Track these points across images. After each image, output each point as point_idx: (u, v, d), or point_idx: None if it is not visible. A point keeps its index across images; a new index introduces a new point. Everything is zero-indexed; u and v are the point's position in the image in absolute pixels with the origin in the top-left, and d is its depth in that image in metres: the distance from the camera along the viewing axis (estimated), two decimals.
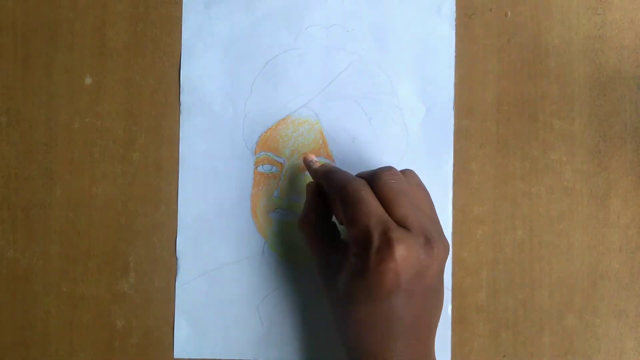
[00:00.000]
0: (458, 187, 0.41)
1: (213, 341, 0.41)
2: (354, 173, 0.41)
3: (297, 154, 0.41)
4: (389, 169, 0.35)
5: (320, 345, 0.41)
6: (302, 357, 0.41)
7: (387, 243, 0.32)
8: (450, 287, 0.41)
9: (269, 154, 0.41)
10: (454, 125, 0.41)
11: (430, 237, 0.33)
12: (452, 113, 0.41)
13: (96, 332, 0.41)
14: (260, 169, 0.41)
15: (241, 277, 0.41)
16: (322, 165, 0.38)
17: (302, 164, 0.41)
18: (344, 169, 0.41)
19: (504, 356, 0.40)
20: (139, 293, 0.41)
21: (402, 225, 0.33)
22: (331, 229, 0.38)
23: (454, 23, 0.41)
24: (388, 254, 0.32)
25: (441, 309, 0.36)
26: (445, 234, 0.40)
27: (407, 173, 0.37)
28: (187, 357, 0.41)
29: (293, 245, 0.41)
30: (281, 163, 0.41)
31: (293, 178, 0.41)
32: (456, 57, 0.41)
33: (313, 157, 0.39)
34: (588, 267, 0.41)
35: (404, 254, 0.32)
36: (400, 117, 0.41)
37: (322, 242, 0.37)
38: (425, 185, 0.39)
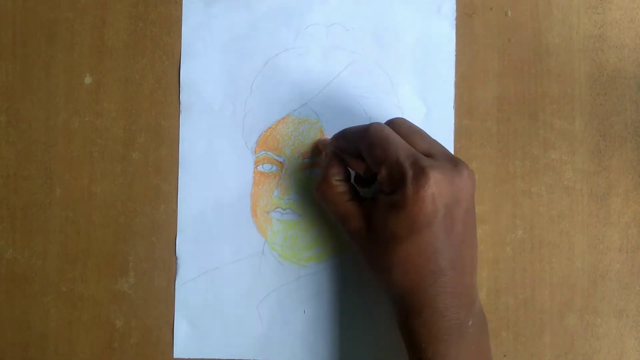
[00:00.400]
0: None
1: (213, 341, 0.41)
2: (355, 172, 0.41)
3: (297, 153, 0.41)
4: (380, 123, 0.36)
5: (320, 345, 0.40)
6: (302, 356, 0.40)
7: (421, 170, 0.33)
8: None
9: (269, 153, 0.41)
10: (454, 124, 0.41)
11: (457, 161, 0.34)
12: (452, 112, 0.41)
13: (95, 331, 0.41)
14: (260, 168, 0.41)
15: (241, 276, 0.41)
16: (335, 134, 0.39)
17: (302, 163, 0.41)
18: None
19: (505, 355, 0.40)
20: (139, 293, 0.41)
21: (428, 156, 0.34)
22: (353, 190, 0.38)
23: (454, 22, 0.41)
24: (424, 181, 0.32)
25: (477, 244, 0.36)
26: None
27: (397, 120, 0.38)
28: (186, 357, 0.41)
29: (293, 245, 0.41)
30: (281, 162, 0.41)
31: (293, 177, 0.41)
32: (456, 56, 0.41)
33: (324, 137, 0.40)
34: (588, 266, 0.41)
35: (439, 177, 0.33)
36: (400, 116, 0.41)
37: (345, 199, 0.37)
38: None
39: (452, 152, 0.41)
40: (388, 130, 0.35)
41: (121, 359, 0.41)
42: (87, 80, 0.42)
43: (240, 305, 0.41)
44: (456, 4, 0.41)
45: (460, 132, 0.41)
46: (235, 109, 0.41)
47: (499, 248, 0.41)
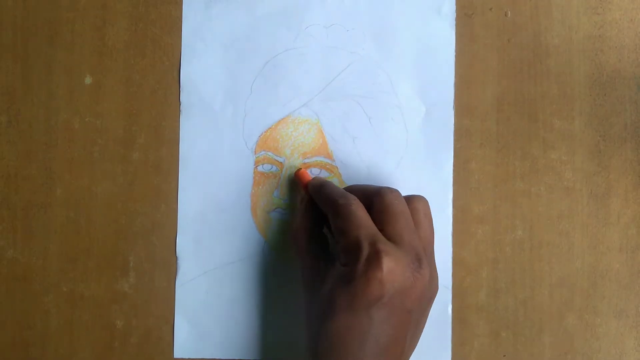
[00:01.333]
0: (458, 186, 0.41)
1: (213, 341, 0.41)
2: (354, 173, 0.41)
3: (297, 153, 0.41)
4: (395, 190, 0.36)
5: None
6: (302, 357, 0.40)
7: (375, 253, 0.33)
8: (450, 287, 0.41)
9: (269, 153, 0.41)
10: (454, 124, 0.41)
11: (421, 257, 0.34)
12: (452, 112, 0.41)
13: (96, 331, 0.41)
14: (260, 168, 0.41)
15: (241, 276, 0.41)
16: (313, 179, 0.39)
17: (302, 163, 0.41)
18: (344, 168, 0.41)
19: (504, 356, 0.40)
20: (139, 293, 0.41)
21: (394, 242, 0.34)
22: (321, 240, 0.38)
23: (454, 22, 0.41)
24: (376, 264, 0.32)
25: (417, 341, 0.36)
26: (445, 233, 0.40)
27: (418, 199, 0.37)
28: (187, 357, 0.41)
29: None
30: (281, 162, 0.41)
31: (293, 177, 0.41)
32: (456, 56, 0.41)
33: (306, 172, 0.40)
34: (588, 266, 0.41)
35: (391, 265, 0.33)
36: (400, 116, 0.41)
37: (311, 252, 0.37)
38: (425, 185, 0.39)
39: (452, 153, 0.41)
40: (356, 206, 0.35)
41: (121, 359, 0.41)
42: (88, 80, 0.42)
43: (240, 305, 0.41)
44: (456, 4, 0.41)
45: (459, 132, 0.41)
46: (236, 109, 0.41)
47: (499, 248, 0.41)
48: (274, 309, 0.41)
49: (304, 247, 0.38)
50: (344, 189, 0.38)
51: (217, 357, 0.41)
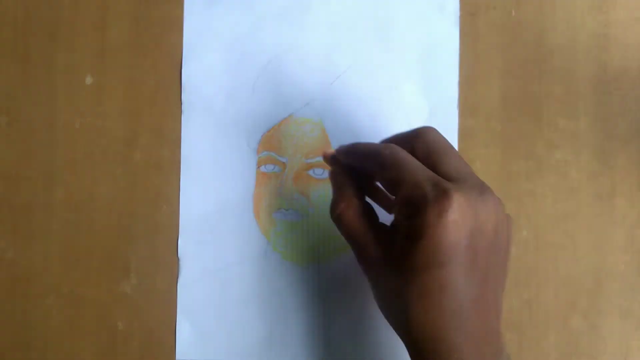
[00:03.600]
0: None
1: (215, 343, 0.40)
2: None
3: (300, 153, 0.41)
4: (432, 128, 0.33)
5: (324, 347, 0.40)
6: (305, 357, 0.40)
7: (443, 193, 0.29)
8: None
9: (271, 153, 0.41)
10: (458, 124, 0.41)
11: (484, 187, 0.31)
12: (456, 112, 0.41)
13: (97, 333, 0.41)
14: (262, 168, 0.41)
15: (244, 278, 0.41)
16: (339, 147, 0.36)
17: (305, 163, 0.40)
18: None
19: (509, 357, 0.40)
20: (141, 294, 0.41)
21: (455, 180, 0.30)
22: (369, 210, 0.34)
23: (457, 21, 0.41)
24: (447, 205, 0.28)
25: (504, 284, 0.32)
26: None
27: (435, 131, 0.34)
28: (189, 359, 0.40)
29: (296, 245, 0.41)
30: (284, 163, 0.41)
31: (296, 178, 0.41)
32: (460, 56, 0.41)
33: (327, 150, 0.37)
34: (593, 267, 0.40)
35: (462, 202, 0.29)
36: (403, 116, 0.41)
37: (365, 225, 0.33)
38: None
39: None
40: (404, 153, 0.31)
41: None
42: (88, 80, 0.41)
43: (242, 306, 0.40)
44: (460, 3, 0.41)
45: (464, 132, 0.41)
46: (237, 109, 0.41)
47: None
48: (276, 311, 0.40)
49: (353, 219, 0.33)
50: (341, 149, 0.35)
51: (219, 359, 0.40)
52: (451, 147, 0.33)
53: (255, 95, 0.41)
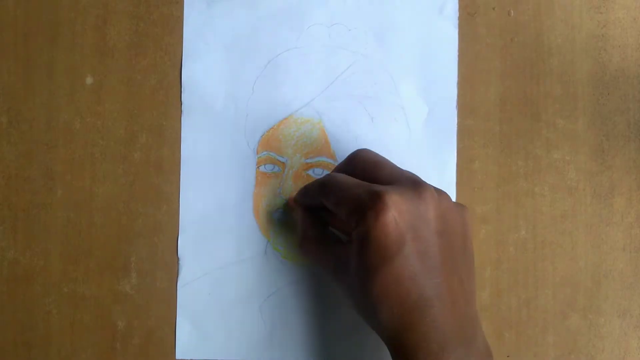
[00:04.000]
0: (461, 186, 0.41)
1: (215, 342, 0.40)
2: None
3: (300, 153, 0.41)
4: (363, 148, 0.37)
5: (323, 346, 0.40)
6: (304, 357, 0.40)
7: (376, 196, 0.32)
8: None
9: (271, 153, 0.41)
10: (457, 124, 0.41)
11: (419, 182, 0.33)
12: (455, 112, 0.41)
13: (97, 332, 0.41)
14: (262, 168, 0.41)
15: (243, 277, 0.41)
16: (297, 192, 0.39)
17: (305, 163, 0.41)
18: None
19: (508, 356, 0.40)
20: (141, 293, 0.41)
21: (389, 183, 0.34)
22: (330, 237, 0.38)
23: (456, 22, 0.41)
24: (381, 204, 0.31)
25: (470, 269, 0.34)
26: None
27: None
28: (189, 358, 0.40)
29: (296, 245, 0.41)
30: (283, 163, 0.41)
31: (295, 178, 0.41)
32: (459, 56, 0.41)
33: (291, 199, 0.40)
34: (592, 266, 0.41)
35: (396, 199, 0.31)
36: (402, 116, 0.41)
37: (327, 249, 0.36)
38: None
39: (455, 153, 0.41)
40: (341, 176, 0.35)
41: None
42: (89, 80, 0.41)
43: (242, 306, 0.41)
44: (458, 3, 0.41)
45: (462, 132, 0.41)
46: (237, 109, 0.41)
47: (502, 248, 0.41)
48: (276, 310, 0.41)
49: (317, 249, 0.37)
50: (297, 194, 0.39)
51: (219, 358, 0.40)
52: (384, 159, 0.36)
53: (255, 95, 0.41)
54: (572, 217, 0.41)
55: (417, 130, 0.41)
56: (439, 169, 0.41)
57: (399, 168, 0.35)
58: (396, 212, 0.31)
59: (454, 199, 0.41)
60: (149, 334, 0.41)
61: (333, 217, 0.39)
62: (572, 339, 0.40)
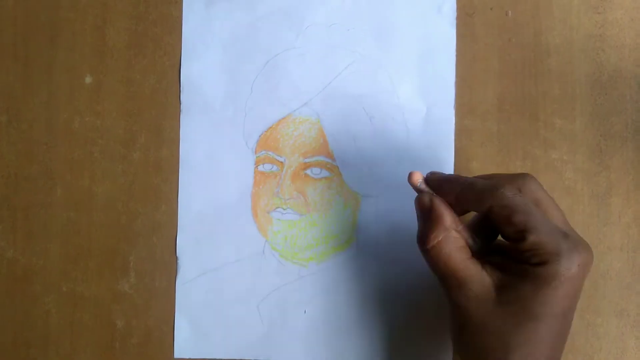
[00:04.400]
0: None
1: (213, 341, 0.41)
2: (355, 172, 0.41)
3: (298, 153, 0.41)
4: (532, 176, 0.34)
5: (321, 345, 0.40)
6: (302, 356, 0.40)
7: (574, 248, 0.30)
8: None
9: (269, 153, 0.41)
10: (455, 124, 0.41)
11: (587, 246, 0.32)
12: (452, 112, 0.41)
13: (96, 331, 0.41)
14: (260, 168, 0.41)
15: (242, 276, 0.41)
16: (432, 173, 0.35)
17: (303, 163, 0.41)
18: (344, 168, 0.41)
19: None
20: (139, 293, 0.41)
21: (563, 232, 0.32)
22: (467, 244, 0.33)
23: (454, 22, 0.41)
24: (578, 259, 0.30)
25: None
26: None
27: (530, 179, 0.34)
28: (187, 357, 0.41)
29: (294, 244, 0.41)
30: (282, 162, 0.41)
31: (294, 177, 0.41)
32: (457, 56, 0.41)
33: (419, 177, 0.35)
34: None
35: (587, 259, 0.31)
36: (401, 116, 0.41)
37: (466, 256, 0.32)
38: None
39: (453, 152, 0.41)
40: (527, 200, 0.32)
41: (122, 359, 0.41)
42: (88, 80, 0.42)
43: (240, 305, 0.41)
44: (457, 3, 0.41)
45: (460, 132, 0.41)
46: (236, 109, 0.41)
47: None
48: (274, 309, 0.41)
49: (459, 251, 0.32)
50: (436, 177, 0.34)
51: (217, 357, 0.41)
52: (552, 198, 0.34)
53: (253, 94, 0.41)
54: (570, 217, 0.40)
55: (415, 130, 0.41)
56: (436, 168, 0.40)
57: (565, 216, 0.34)
58: (582, 272, 0.30)
59: None
60: (148, 333, 0.41)
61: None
62: (569, 338, 0.40)
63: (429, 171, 0.35)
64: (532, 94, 0.41)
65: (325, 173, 0.41)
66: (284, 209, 0.41)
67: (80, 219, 0.41)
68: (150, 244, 0.41)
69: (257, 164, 0.41)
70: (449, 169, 0.41)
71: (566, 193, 0.41)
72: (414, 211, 0.35)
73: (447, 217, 0.33)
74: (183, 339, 0.41)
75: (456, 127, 0.41)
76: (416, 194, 0.35)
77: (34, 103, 0.41)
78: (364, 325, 0.40)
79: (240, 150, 0.41)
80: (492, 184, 0.32)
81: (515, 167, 0.41)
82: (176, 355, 0.41)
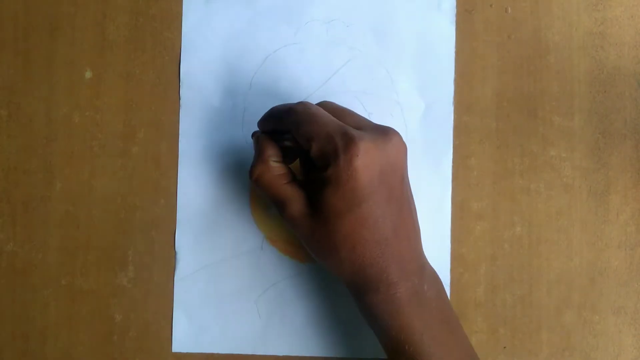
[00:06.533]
0: (457, 182, 0.41)
1: (211, 335, 0.41)
2: None
3: None
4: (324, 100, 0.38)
5: (319, 340, 0.41)
6: (300, 351, 0.41)
7: (351, 140, 0.32)
8: (448, 283, 0.41)
9: None
10: (454, 121, 0.41)
11: (386, 129, 0.34)
12: (451, 109, 0.41)
13: (95, 325, 0.41)
14: None
15: (240, 271, 0.41)
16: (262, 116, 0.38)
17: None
18: None
19: (505, 347, 0.40)
20: (138, 287, 0.41)
21: (358, 128, 0.34)
22: (288, 170, 0.37)
23: (454, 19, 0.41)
24: (355, 150, 0.32)
25: (415, 210, 0.36)
26: (443, 229, 0.41)
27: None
28: (185, 351, 0.41)
29: (292, 239, 0.41)
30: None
31: None
32: (456, 52, 0.41)
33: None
34: (587, 263, 0.41)
35: (369, 145, 0.33)
36: (399, 112, 0.41)
37: (284, 181, 0.36)
38: (424, 181, 0.40)
39: (451, 149, 0.41)
40: (315, 108, 0.35)
41: (120, 353, 0.41)
42: (88, 74, 0.42)
43: (239, 300, 0.41)
44: (456, 0, 0.41)
45: (459, 128, 0.41)
46: (235, 105, 0.41)
47: (497, 245, 0.41)
48: (272, 304, 0.41)
49: (278, 178, 0.36)
50: (260, 119, 0.37)
51: (215, 352, 0.41)
52: (348, 109, 0.37)
53: (252, 90, 0.42)
54: (568, 214, 0.41)
55: (413, 126, 0.41)
56: (435, 165, 0.41)
57: (364, 117, 0.36)
58: (369, 158, 0.32)
59: (449, 195, 0.41)
60: (146, 327, 0.41)
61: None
62: (566, 336, 0.41)
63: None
64: (531, 91, 0.41)
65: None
66: None
67: (79, 213, 0.41)
68: (149, 239, 0.41)
69: None
70: (447, 165, 0.41)
71: (564, 190, 0.41)
72: None
73: (268, 150, 0.36)
74: (181, 333, 0.41)
75: (454, 124, 0.41)
76: None
77: (34, 97, 0.42)
78: (362, 320, 0.40)
79: (239, 146, 0.41)
80: (287, 106, 0.36)
81: (514, 164, 0.41)
82: (174, 349, 0.41)
